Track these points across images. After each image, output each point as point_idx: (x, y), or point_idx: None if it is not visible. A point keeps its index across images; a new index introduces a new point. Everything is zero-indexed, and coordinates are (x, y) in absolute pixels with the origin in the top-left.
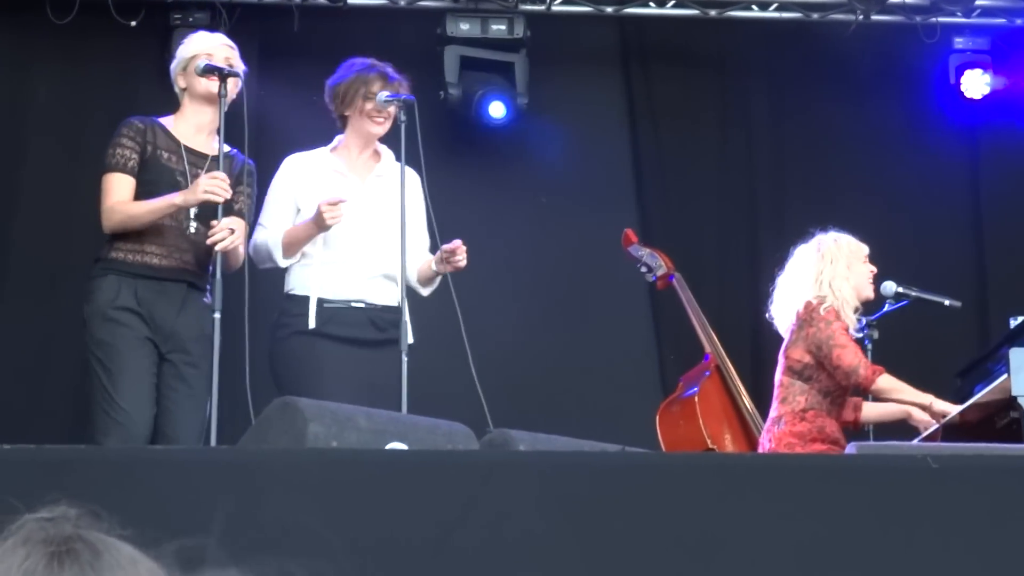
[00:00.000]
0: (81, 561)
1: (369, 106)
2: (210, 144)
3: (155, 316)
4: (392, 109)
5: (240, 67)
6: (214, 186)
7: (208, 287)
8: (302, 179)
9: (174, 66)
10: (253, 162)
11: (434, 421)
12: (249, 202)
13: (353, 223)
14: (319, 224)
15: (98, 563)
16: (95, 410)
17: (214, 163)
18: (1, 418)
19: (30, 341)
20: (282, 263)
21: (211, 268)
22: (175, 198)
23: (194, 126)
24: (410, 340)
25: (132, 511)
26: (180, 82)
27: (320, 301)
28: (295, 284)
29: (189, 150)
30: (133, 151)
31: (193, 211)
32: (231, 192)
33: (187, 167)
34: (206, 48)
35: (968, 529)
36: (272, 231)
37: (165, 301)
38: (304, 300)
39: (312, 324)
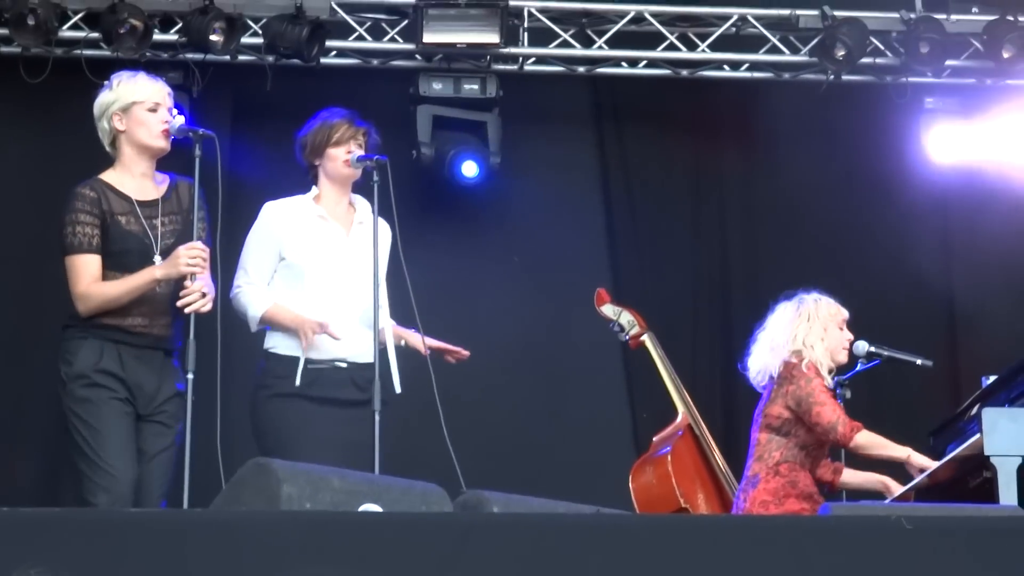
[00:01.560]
0: None
1: (339, 151)
2: (156, 189)
3: (137, 380)
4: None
5: (180, 119)
6: (195, 259)
7: (176, 351)
8: (285, 225)
9: (106, 103)
10: (190, 178)
11: (408, 482)
12: (203, 225)
13: (339, 274)
14: (303, 335)
15: None
16: (80, 473)
17: (165, 206)
18: None
19: (1, 402)
20: (254, 329)
21: (179, 327)
22: (155, 272)
23: (139, 176)
24: (398, 390)
25: (105, 572)
26: (117, 124)
27: (306, 361)
28: (277, 343)
29: (141, 203)
30: (94, 227)
31: (158, 261)
32: (207, 261)
33: (145, 224)
34: (150, 96)
35: None
36: (255, 288)
37: (146, 367)
38: (289, 360)
39: (297, 384)
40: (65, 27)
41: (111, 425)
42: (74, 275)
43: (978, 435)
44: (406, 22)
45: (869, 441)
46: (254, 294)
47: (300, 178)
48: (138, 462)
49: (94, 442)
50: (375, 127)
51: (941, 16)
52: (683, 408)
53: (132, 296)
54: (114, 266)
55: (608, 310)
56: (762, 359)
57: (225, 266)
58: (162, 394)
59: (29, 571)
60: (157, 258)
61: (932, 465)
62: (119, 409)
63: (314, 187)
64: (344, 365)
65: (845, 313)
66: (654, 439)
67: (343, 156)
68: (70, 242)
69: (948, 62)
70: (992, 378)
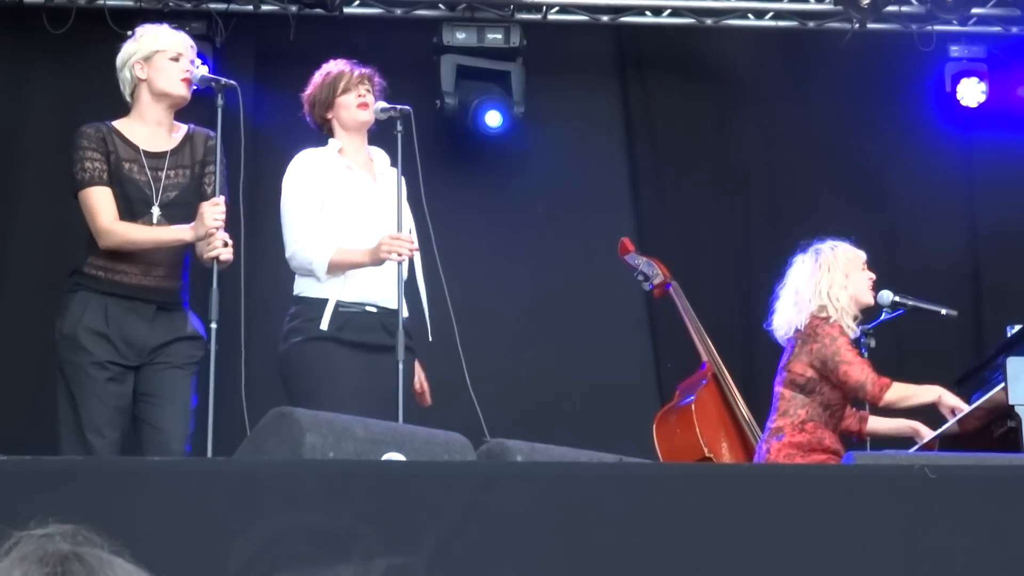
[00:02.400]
0: None
1: (348, 98)
2: (169, 140)
3: (124, 332)
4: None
5: (203, 69)
6: (217, 218)
7: (185, 300)
8: (320, 175)
9: (130, 52)
10: (208, 130)
11: (431, 431)
12: (214, 176)
13: (368, 222)
14: (375, 257)
15: None
16: (62, 429)
17: (175, 157)
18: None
19: (26, 349)
20: (323, 280)
21: (185, 281)
22: (185, 234)
23: (153, 124)
24: (430, 339)
25: (128, 522)
26: (139, 72)
27: (337, 304)
28: (306, 287)
29: (148, 154)
30: (101, 161)
31: (156, 212)
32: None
33: (149, 175)
34: (173, 46)
35: (966, 538)
36: (311, 241)
37: (135, 317)
38: (319, 303)
39: (325, 327)
40: None
41: (84, 393)
42: (91, 210)
43: (1002, 384)
44: None
45: (899, 396)
46: (313, 247)
47: (316, 136)
48: (148, 411)
49: (73, 409)
50: (395, 75)
51: None
52: (707, 357)
53: (153, 247)
54: (118, 211)
55: (632, 259)
56: (787, 315)
57: (250, 215)
58: (155, 342)
59: (48, 519)
60: (155, 209)
61: (963, 405)
62: (98, 372)
63: (333, 140)
64: (374, 309)
65: (863, 255)
66: (678, 388)
67: (355, 102)
68: (80, 177)
69: (974, 10)
70: (1017, 327)
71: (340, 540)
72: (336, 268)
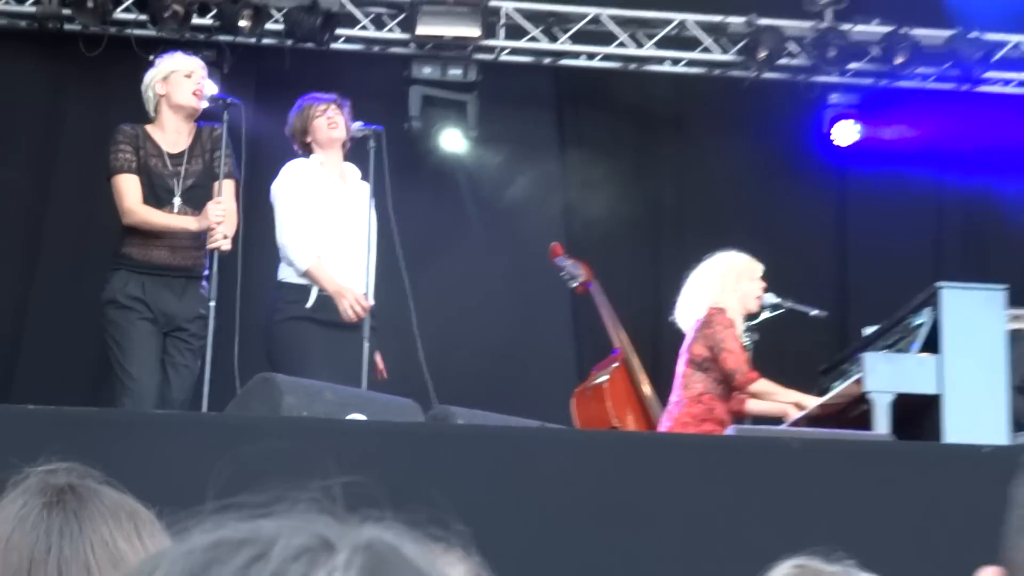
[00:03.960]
0: (67, 509)
1: (319, 123)
2: (183, 141)
3: (159, 303)
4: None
5: (212, 85)
6: (219, 214)
7: (203, 277)
8: (307, 182)
9: (153, 75)
10: (214, 123)
11: (389, 397)
12: (228, 161)
13: (345, 225)
14: (338, 297)
15: (83, 511)
16: (113, 379)
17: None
18: (32, 383)
19: (57, 320)
20: (299, 275)
21: (207, 256)
22: (191, 224)
23: (173, 132)
24: (371, 302)
25: (133, 463)
26: (159, 89)
27: (318, 290)
28: (289, 274)
29: (170, 155)
30: (132, 153)
31: (177, 202)
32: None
33: (171, 170)
34: (186, 66)
35: (824, 497)
36: (301, 243)
37: (167, 291)
38: (300, 288)
39: (310, 306)
40: (118, 10)
41: (135, 341)
42: (119, 192)
43: (859, 375)
44: (403, 15)
45: (764, 389)
46: (299, 249)
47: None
48: (163, 369)
49: (121, 356)
50: (369, 103)
51: (847, 26)
52: (619, 344)
53: (165, 231)
54: (144, 197)
55: (561, 261)
56: (689, 307)
57: (248, 209)
58: (182, 316)
59: (51, 458)
60: (176, 200)
61: (816, 403)
62: (144, 328)
63: (314, 155)
64: None
65: (759, 268)
66: (593, 369)
67: (326, 123)
68: (113, 165)
69: (850, 65)
70: (872, 329)
71: (304, 465)
72: (310, 277)
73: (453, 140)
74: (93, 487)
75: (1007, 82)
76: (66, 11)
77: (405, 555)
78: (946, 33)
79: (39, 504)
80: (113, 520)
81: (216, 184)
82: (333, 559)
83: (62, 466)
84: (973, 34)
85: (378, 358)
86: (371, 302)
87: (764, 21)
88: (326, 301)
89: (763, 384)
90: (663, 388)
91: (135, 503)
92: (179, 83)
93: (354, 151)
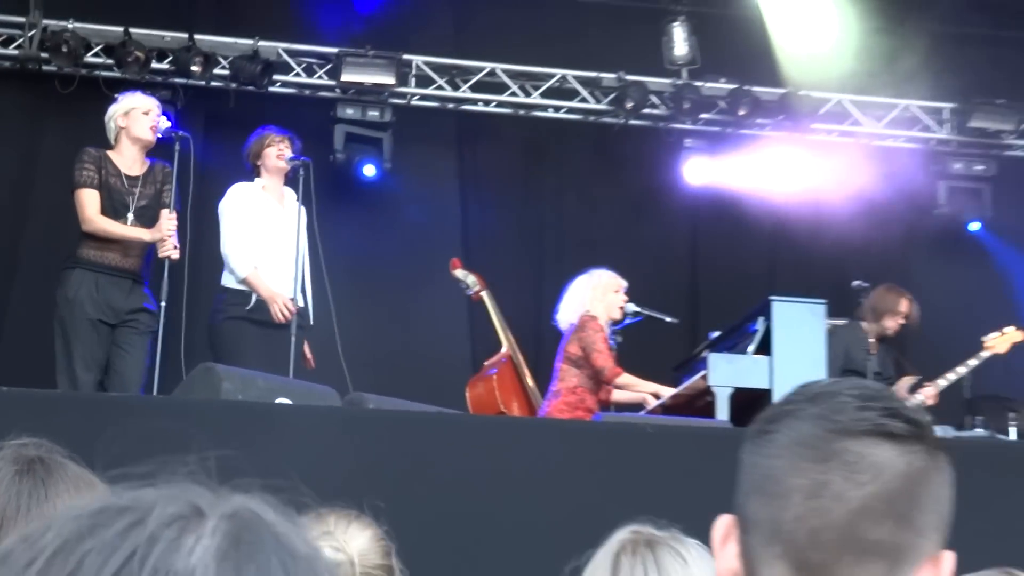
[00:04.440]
0: (36, 476)
1: (271, 151)
2: (140, 169)
3: (109, 299)
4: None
5: (165, 120)
6: (171, 228)
7: (146, 280)
8: (248, 202)
9: (115, 109)
10: (169, 163)
11: (311, 384)
12: (171, 193)
13: (279, 241)
14: (271, 302)
15: (49, 479)
16: (57, 369)
17: (145, 179)
18: (9, 370)
19: (32, 316)
20: (238, 282)
21: (148, 262)
22: (144, 235)
23: (129, 158)
24: (311, 322)
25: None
26: (120, 122)
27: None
28: (231, 280)
29: (127, 176)
30: (94, 172)
31: (131, 216)
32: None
33: (127, 188)
34: (144, 104)
35: (673, 475)
36: (241, 253)
37: (116, 289)
38: (240, 293)
39: (250, 311)
40: (88, 54)
41: (83, 340)
42: (81, 204)
43: (704, 372)
44: (330, 65)
45: (627, 382)
46: (239, 260)
47: (248, 174)
48: (116, 358)
49: (66, 350)
50: (300, 137)
51: (699, 83)
52: (507, 343)
53: (120, 238)
54: (101, 210)
55: (459, 273)
56: (566, 314)
57: (195, 227)
58: (127, 309)
59: (22, 434)
60: (130, 215)
61: (670, 394)
62: (84, 326)
63: (259, 179)
64: None
65: (622, 283)
66: (484, 364)
67: (275, 154)
68: (77, 180)
69: (702, 115)
70: (716, 333)
71: (183, 440)
72: (246, 283)
73: (370, 170)
74: (59, 460)
75: (830, 132)
76: (44, 55)
77: (267, 521)
78: (781, 91)
79: (12, 471)
80: (75, 489)
81: (163, 210)
82: (202, 525)
83: (32, 441)
84: (803, 92)
85: (307, 350)
86: (301, 304)
87: (631, 77)
88: (262, 304)
89: (626, 377)
90: (543, 381)
91: (92, 476)
92: (138, 119)
93: (294, 178)
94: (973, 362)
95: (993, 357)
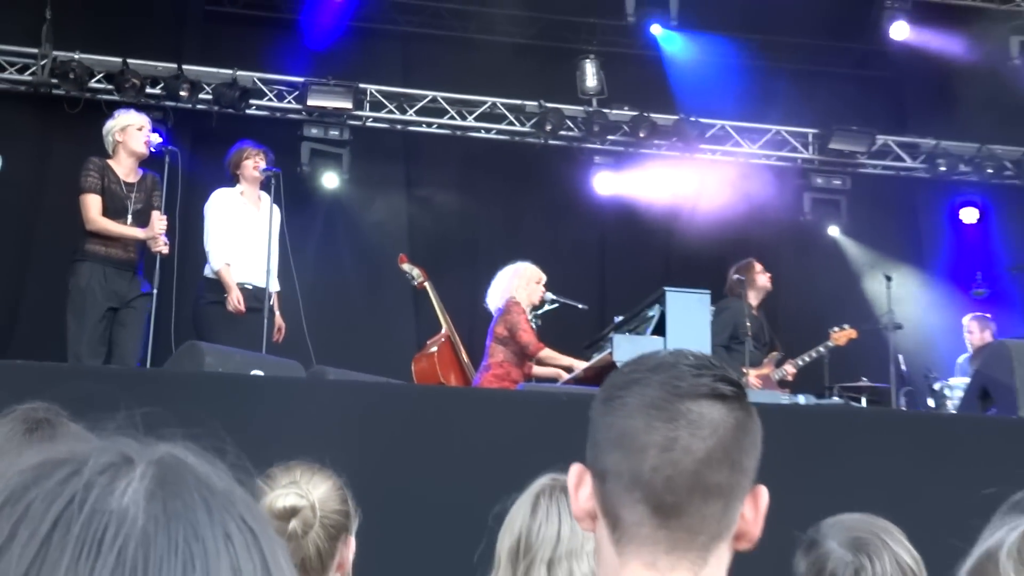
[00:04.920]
0: (43, 434)
1: (248, 162)
2: (135, 177)
3: (114, 286)
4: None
5: (157, 136)
6: (163, 227)
7: (140, 270)
8: (228, 205)
9: (112, 124)
10: (157, 174)
11: (280, 359)
12: (159, 198)
13: (254, 237)
14: (231, 295)
15: (54, 436)
16: (69, 346)
17: (139, 186)
18: (26, 346)
19: (44, 302)
20: (211, 272)
21: (143, 256)
22: (139, 234)
23: (126, 167)
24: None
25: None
26: (117, 136)
27: (237, 284)
28: (212, 271)
29: (125, 183)
30: (97, 179)
31: (130, 218)
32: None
33: (125, 194)
34: (138, 121)
35: (582, 436)
36: (218, 249)
37: (120, 278)
38: (219, 282)
39: (226, 295)
40: (92, 81)
41: (90, 323)
42: (86, 206)
43: (610, 350)
44: (297, 92)
45: (549, 355)
46: (216, 255)
47: (228, 182)
48: (118, 333)
49: (77, 332)
50: (271, 150)
51: (607, 110)
52: (446, 325)
53: (120, 236)
54: (104, 211)
55: (405, 267)
56: (494, 299)
57: (183, 227)
58: (131, 294)
59: (32, 399)
60: (129, 216)
61: (581, 367)
62: (95, 312)
63: (238, 185)
64: (251, 287)
65: (542, 275)
66: (427, 342)
67: (251, 165)
68: (83, 185)
69: (609, 137)
70: (620, 317)
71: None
72: (219, 275)
73: (331, 180)
74: (63, 421)
75: (714, 152)
76: (54, 80)
77: (188, 464)
78: (674, 117)
79: (23, 429)
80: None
81: (155, 212)
82: (132, 471)
83: (41, 405)
84: (693, 118)
85: (280, 320)
86: (276, 289)
87: (550, 104)
88: (246, 292)
89: (547, 351)
90: (476, 357)
91: (90, 435)
92: (133, 134)
93: (266, 185)
94: (821, 349)
95: (837, 348)
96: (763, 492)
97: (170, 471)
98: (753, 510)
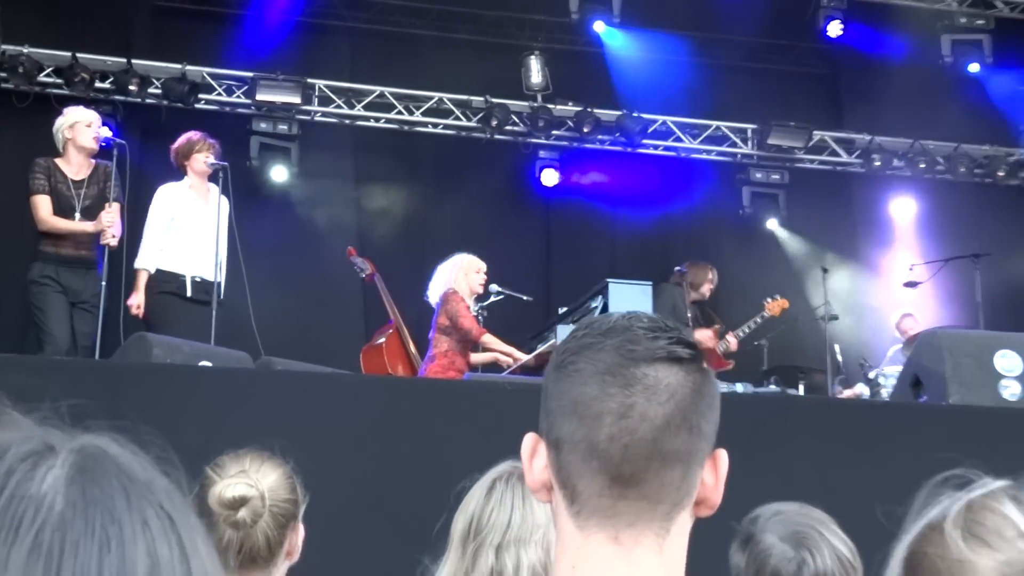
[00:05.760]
0: None
1: (199, 155)
2: (85, 172)
3: (67, 282)
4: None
5: (107, 130)
6: (110, 220)
7: (99, 264)
8: (174, 200)
9: (62, 122)
10: (110, 163)
11: (228, 350)
12: (117, 189)
13: (202, 230)
14: (135, 298)
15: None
16: (38, 333)
17: (91, 179)
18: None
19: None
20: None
21: (99, 251)
22: (88, 227)
23: (75, 165)
24: (222, 297)
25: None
26: (67, 133)
27: (179, 275)
28: (165, 262)
29: (73, 182)
30: (45, 180)
31: (78, 216)
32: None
33: (73, 193)
34: (87, 117)
35: (525, 422)
36: (148, 254)
37: (73, 274)
38: (174, 274)
39: (178, 288)
40: (41, 75)
41: (53, 307)
42: (36, 208)
43: (555, 340)
44: (246, 86)
45: (490, 340)
46: (142, 254)
47: (177, 174)
48: (73, 329)
49: (43, 319)
50: (220, 143)
51: (551, 105)
52: (394, 317)
53: (69, 232)
54: (52, 212)
55: (354, 260)
56: (436, 290)
57: (132, 222)
58: (85, 292)
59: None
60: (77, 214)
61: (524, 358)
62: (57, 297)
63: (186, 178)
64: (200, 280)
65: (482, 264)
66: (376, 333)
67: (201, 158)
68: (32, 188)
69: (554, 132)
70: (563, 309)
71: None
72: (135, 272)
73: (280, 174)
74: (6, 411)
75: (656, 146)
76: (3, 74)
77: (110, 453)
78: (617, 112)
79: None
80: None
81: (106, 204)
82: (53, 458)
83: None
84: (635, 114)
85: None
86: (221, 279)
87: (496, 100)
88: (195, 284)
89: (488, 337)
90: (423, 348)
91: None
92: (82, 131)
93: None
94: (758, 319)
95: (772, 320)
96: (723, 456)
97: (90, 459)
98: (713, 475)
